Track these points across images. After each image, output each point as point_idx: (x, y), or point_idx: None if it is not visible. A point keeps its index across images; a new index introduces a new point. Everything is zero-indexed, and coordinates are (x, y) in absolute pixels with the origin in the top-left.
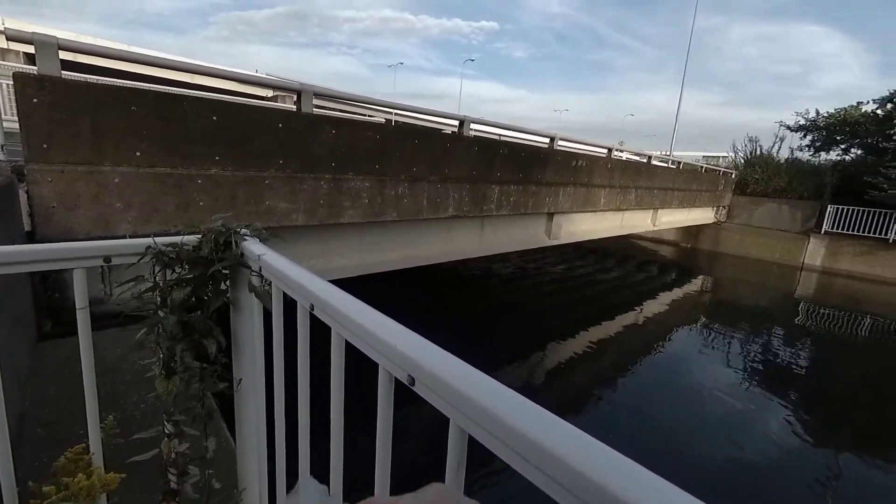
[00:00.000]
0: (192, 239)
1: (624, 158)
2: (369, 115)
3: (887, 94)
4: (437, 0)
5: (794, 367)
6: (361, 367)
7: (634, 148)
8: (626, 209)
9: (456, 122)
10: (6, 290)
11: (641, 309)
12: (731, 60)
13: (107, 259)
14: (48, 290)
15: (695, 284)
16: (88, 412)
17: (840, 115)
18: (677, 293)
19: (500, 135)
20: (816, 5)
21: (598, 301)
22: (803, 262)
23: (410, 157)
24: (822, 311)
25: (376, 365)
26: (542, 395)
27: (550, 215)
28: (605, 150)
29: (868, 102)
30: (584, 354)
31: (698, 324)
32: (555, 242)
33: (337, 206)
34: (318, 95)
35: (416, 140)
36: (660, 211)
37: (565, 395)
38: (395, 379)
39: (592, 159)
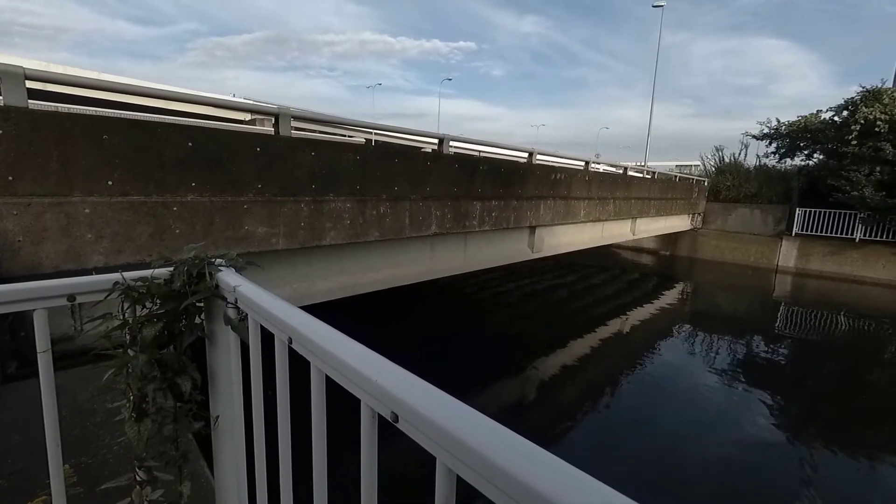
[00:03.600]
0: (163, 272)
1: (601, 170)
2: (349, 136)
3: (842, 102)
4: (415, 23)
5: (776, 365)
6: (346, 400)
7: (610, 160)
8: (606, 220)
9: (435, 141)
10: None
11: (626, 317)
12: (697, 74)
13: (71, 297)
14: (13, 328)
15: (676, 291)
16: (51, 462)
17: (801, 123)
18: (660, 300)
19: (479, 151)
20: (772, 20)
21: (582, 312)
22: (778, 264)
23: (391, 177)
24: (798, 310)
25: (359, 400)
26: (526, 411)
27: (532, 229)
28: (583, 163)
29: (826, 110)
30: (571, 366)
31: (682, 329)
32: (538, 255)
33: (318, 227)
34: (297, 118)
35: (397, 159)
36: (638, 220)
37: (553, 408)
38: (379, 415)
39: (571, 172)
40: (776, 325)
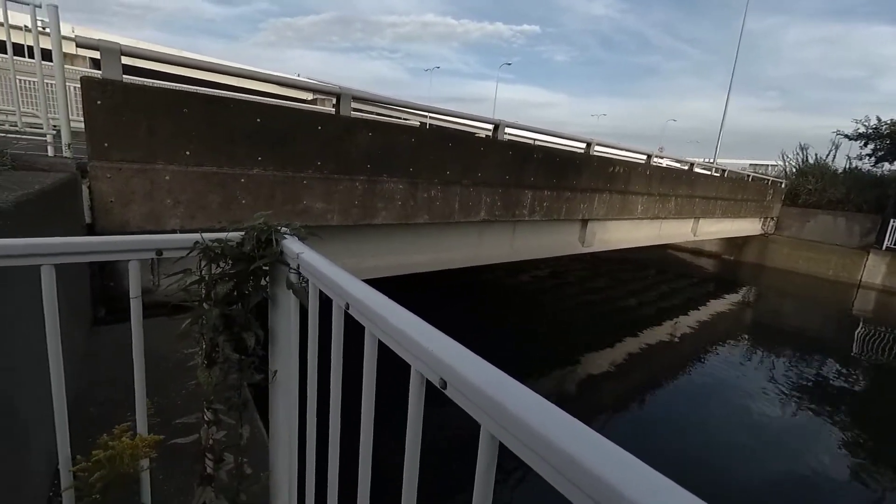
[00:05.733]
0: (235, 235)
1: (664, 165)
2: (405, 119)
3: None
4: (479, 4)
5: (845, 391)
6: (394, 368)
7: (675, 155)
8: (665, 218)
9: (490, 126)
10: (67, 277)
11: (677, 322)
12: (787, 64)
13: (159, 252)
14: (104, 279)
15: (736, 298)
16: (137, 391)
17: None
18: (720, 307)
19: (534, 139)
20: (887, 4)
21: (631, 313)
22: (861, 280)
23: (443, 161)
24: (881, 332)
25: (409, 366)
26: (574, 404)
27: (584, 222)
28: (644, 157)
29: None
30: (617, 368)
31: (739, 341)
32: (588, 250)
33: (371, 207)
34: (357, 99)
35: (450, 143)
36: (701, 220)
37: (599, 404)
38: (427, 382)
39: (630, 166)
40: (852, 346)
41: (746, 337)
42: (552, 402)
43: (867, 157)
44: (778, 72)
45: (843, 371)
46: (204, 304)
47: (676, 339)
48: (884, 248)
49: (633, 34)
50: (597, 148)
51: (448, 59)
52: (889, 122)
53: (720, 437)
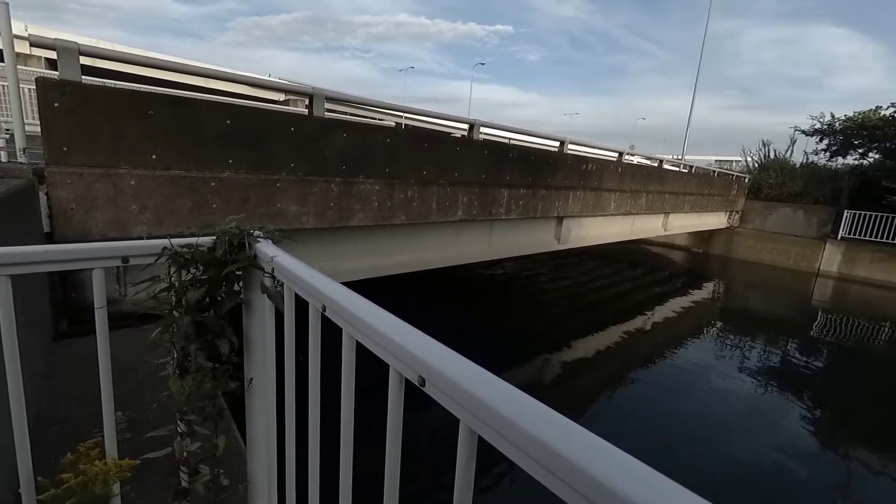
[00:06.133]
0: (206, 240)
1: (635, 162)
2: (380, 119)
3: None
4: (452, 4)
5: (807, 371)
6: (373, 370)
7: (645, 152)
8: (637, 213)
9: (466, 126)
10: (25, 290)
11: (651, 314)
12: (747, 64)
13: (125, 259)
14: (66, 290)
15: (707, 290)
16: (104, 407)
17: (858, 119)
18: (690, 299)
19: (510, 138)
20: (837, 6)
21: (606, 307)
22: (819, 269)
23: (420, 161)
24: (838, 318)
25: (387, 366)
26: (555, 391)
27: (560, 219)
28: (616, 154)
29: (887, 107)
30: (591, 360)
31: (710, 328)
32: (564, 247)
33: (347, 209)
34: (330, 99)
35: (426, 143)
36: (671, 215)
37: (580, 391)
38: (406, 381)
39: (603, 163)
40: (812, 331)
41: (717, 325)
42: (532, 393)
43: (822, 152)
44: (739, 72)
45: (804, 354)
46: (174, 312)
47: (649, 330)
48: (839, 237)
49: (601, 35)
50: (570, 146)
51: (422, 60)
52: (842, 118)
53: (695, 416)
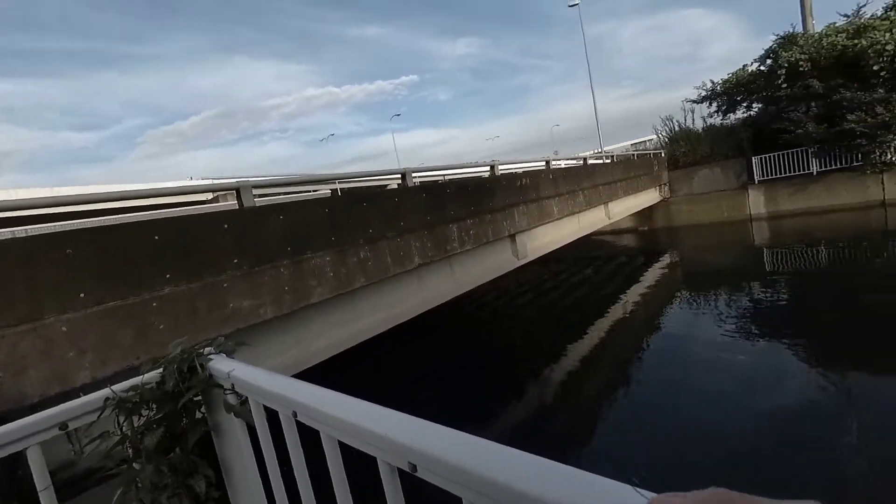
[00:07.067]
0: (153, 375)
1: (563, 166)
2: (314, 190)
3: (763, 52)
4: (354, 69)
5: (780, 302)
6: (367, 457)
7: (569, 154)
8: (580, 211)
9: (398, 176)
10: None
11: (625, 298)
12: (631, 55)
13: (63, 426)
14: (11, 469)
15: (663, 261)
16: None
17: (733, 80)
18: (655, 274)
19: (444, 175)
20: None
21: (584, 303)
22: (750, 214)
23: (364, 221)
24: (782, 251)
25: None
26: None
27: (513, 237)
28: (544, 163)
29: (751, 63)
30: (591, 358)
31: (682, 293)
32: (525, 261)
33: (303, 288)
34: (257, 187)
35: (365, 203)
36: (610, 204)
37: (588, 387)
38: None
39: (534, 174)
40: (766, 268)
41: (685, 290)
42: (559, 410)
43: (715, 114)
44: (626, 63)
45: (766, 288)
46: (134, 465)
47: (628, 315)
48: (756, 182)
49: (499, 63)
50: (501, 167)
51: (339, 124)
52: (720, 81)
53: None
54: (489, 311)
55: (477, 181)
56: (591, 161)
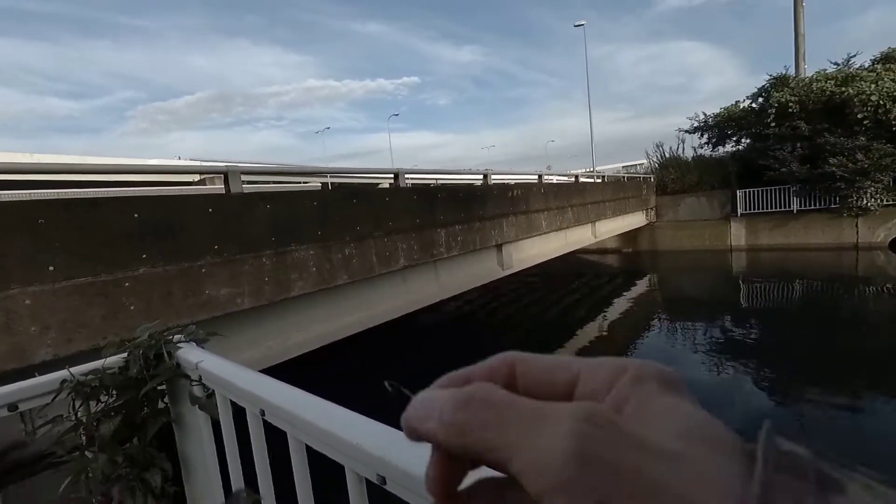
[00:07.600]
0: (116, 359)
1: (555, 181)
2: (305, 182)
3: (756, 90)
4: (357, 65)
5: (751, 334)
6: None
7: (561, 170)
8: (567, 227)
9: (391, 176)
10: None
11: (605, 316)
12: (628, 80)
13: (12, 407)
14: None
15: (644, 284)
16: None
17: (725, 114)
18: (634, 293)
19: (436, 179)
20: (686, 24)
21: (568, 316)
22: (731, 244)
23: (352, 218)
24: (759, 284)
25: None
26: None
27: (499, 247)
28: (536, 177)
29: (744, 100)
30: None
31: (659, 317)
32: (509, 272)
33: (284, 280)
34: (247, 173)
35: (355, 199)
36: (597, 223)
37: None
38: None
39: (526, 187)
40: (741, 299)
41: (662, 313)
42: None
43: (705, 145)
44: (623, 87)
45: (741, 320)
46: (87, 453)
47: (606, 333)
48: (738, 214)
49: (500, 73)
50: (494, 177)
51: (338, 119)
52: (713, 115)
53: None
54: (475, 318)
55: (469, 188)
56: (582, 179)
